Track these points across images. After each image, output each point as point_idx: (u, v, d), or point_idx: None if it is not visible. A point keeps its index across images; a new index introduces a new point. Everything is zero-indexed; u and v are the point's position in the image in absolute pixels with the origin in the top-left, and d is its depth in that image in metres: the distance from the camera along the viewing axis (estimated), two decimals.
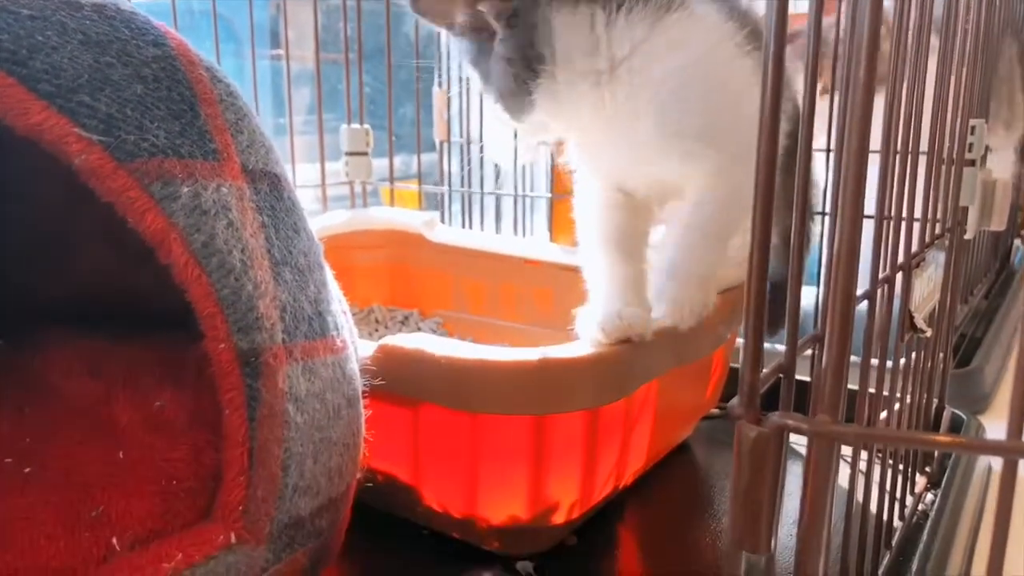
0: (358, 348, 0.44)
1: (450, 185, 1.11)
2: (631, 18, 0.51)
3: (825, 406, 0.25)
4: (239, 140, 0.38)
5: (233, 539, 0.35)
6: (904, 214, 0.46)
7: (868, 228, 0.35)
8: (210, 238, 0.34)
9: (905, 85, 0.45)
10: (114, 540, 0.34)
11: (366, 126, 0.98)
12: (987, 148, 0.70)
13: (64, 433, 0.39)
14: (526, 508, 0.50)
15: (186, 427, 0.39)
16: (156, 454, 0.38)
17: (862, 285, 0.37)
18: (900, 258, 0.46)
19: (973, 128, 0.64)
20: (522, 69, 0.51)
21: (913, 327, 0.47)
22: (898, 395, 0.50)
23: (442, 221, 1.01)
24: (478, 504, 0.51)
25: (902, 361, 0.50)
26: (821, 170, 0.77)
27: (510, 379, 0.47)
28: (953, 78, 0.55)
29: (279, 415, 0.36)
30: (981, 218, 0.70)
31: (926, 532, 0.54)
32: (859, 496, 0.45)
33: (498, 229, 1.08)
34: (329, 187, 0.98)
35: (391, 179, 1.02)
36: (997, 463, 0.23)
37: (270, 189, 0.39)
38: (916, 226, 0.49)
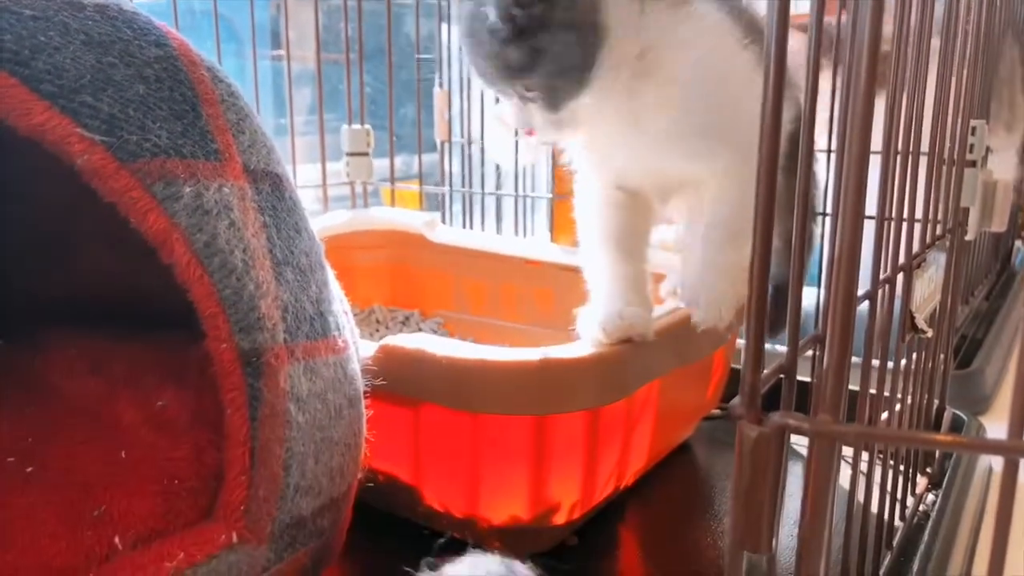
0: (359, 348, 0.44)
1: (451, 185, 1.11)
2: (655, 7, 0.50)
3: (826, 406, 0.25)
4: (241, 140, 0.38)
5: (235, 538, 0.35)
6: (905, 215, 0.46)
7: (869, 229, 0.36)
8: (212, 238, 0.34)
9: (906, 86, 0.46)
10: (116, 539, 0.34)
11: (367, 126, 0.98)
12: (988, 149, 0.70)
13: (66, 433, 0.39)
14: (527, 508, 0.50)
15: (188, 427, 0.39)
16: (158, 453, 0.38)
17: (863, 286, 0.37)
18: (901, 259, 0.46)
19: (974, 129, 0.64)
20: (587, 36, 0.48)
21: (914, 328, 0.47)
22: (899, 396, 0.50)
23: (443, 221, 1.01)
24: (479, 504, 0.51)
25: (903, 362, 0.50)
26: (823, 171, 0.77)
27: (511, 379, 0.47)
28: (954, 79, 0.55)
29: (281, 415, 0.36)
30: (982, 219, 0.70)
31: (927, 533, 0.54)
32: (860, 497, 0.45)
33: (499, 229, 1.08)
34: (330, 187, 0.98)
35: (392, 179, 1.02)
36: (998, 464, 0.23)
37: (272, 189, 0.39)
38: (917, 227, 0.49)
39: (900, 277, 0.46)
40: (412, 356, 0.48)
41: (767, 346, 0.27)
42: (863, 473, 0.46)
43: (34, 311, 0.48)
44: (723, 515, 0.59)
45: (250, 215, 0.36)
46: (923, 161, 0.50)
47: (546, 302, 0.80)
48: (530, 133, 0.51)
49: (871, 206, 0.34)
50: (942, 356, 0.62)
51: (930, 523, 0.55)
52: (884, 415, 0.49)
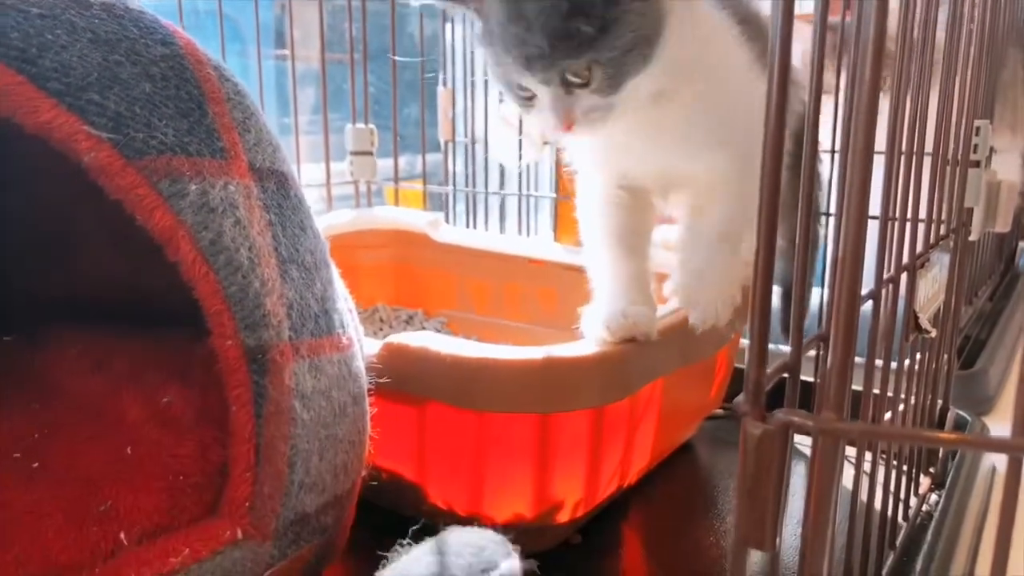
0: (364, 346, 0.45)
1: (455, 185, 1.11)
2: None
3: (830, 404, 0.25)
4: (246, 138, 0.38)
5: (239, 535, 0.35)
6: (909, 215, 0.46)
7: (873, 229, 0.36)
8: (217, 236, 0.35)
9: (911, 86, 0.46)
10: (122, 535, 0.34)
11: (371, 126, 0.98)
12: (992, 150, 0.70)
13: (71, 429, 0.39)
14: (531, 506, 0.50)
15: (193, 423, 0.39)
16: (163, 450, 0.38)
17: (867, 285, 0.37)
18: (905, 259, 0.46)
19: (978, 129, 0.64)
20: (655, 6, 0.47)
21: (918, 327, 0.47)
22: (902, 396, 0.50)
23: (447, 221, 1.01)
24: (483, 502, 0.51)
25: (906, 362, 0.50)
26: (826, 171, 0.77)
27: (515, 378, 0.47)
28: (958, 79, 0.55)
29: (285, 412, 0.36)
30: (986, 219, 0.70)
31: (930, 532, 0.54)
32: (863, 496, 0.45)
33: (502, 229, 1.08)
34: (334, 187, 0.98)
35: (396, 179, 1.02)
36: (1001, 465, 0.23)
37: (277, 187, 0.39)
38: (921, 227, 0.49)
39: (904, 277, 0.46)
40: (416, 354, 0.48)
41: (772, 347, 0.28)
42: (866, 473, 0.46)
43: (38, 309, 0.49)
44: (726, 514, 0.60)
45: (255, 213, 0.37)
46: (927, 161, 0.50)
47: (550, 301, 0.80)
48: (568, 128, 0.48)
49: (875, 206, 0.34)
50: (945, 356, 0.62)
51: (933, 523, 0.55)
52: (888, 415, 0.49)
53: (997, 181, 0.70)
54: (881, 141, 0.35)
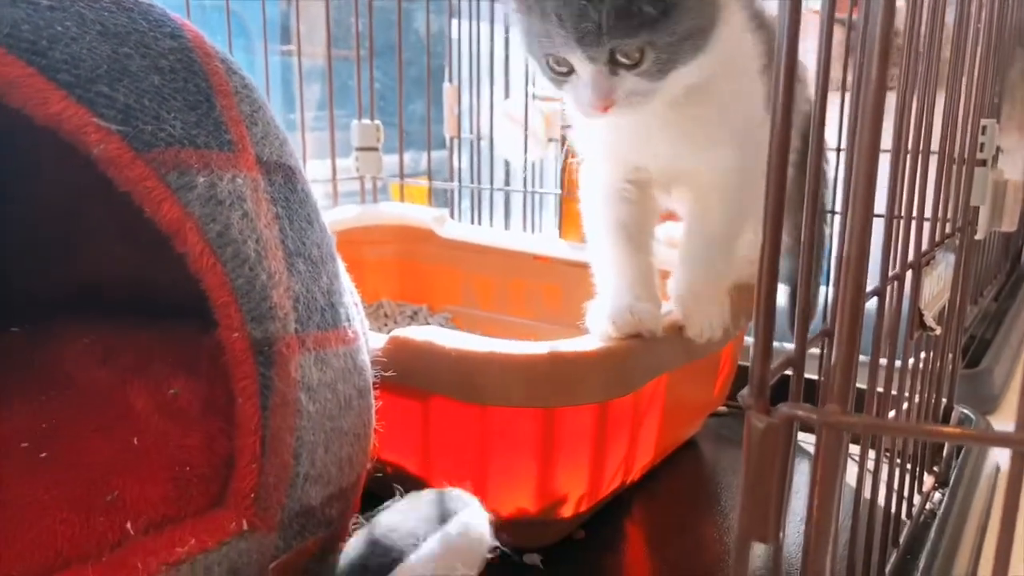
0: (369, 339, 0.45)
1: (460, 181, 1.12)
2: None
3: (834, 398, 0.25)
4: (254, 132, 0.38)
5: (245, 526, 0.35)
6: (915, 213, 0.46)
7: (879, 227, 0.36)
8: (225, 228, 0.35)
9: (917, 84, 0.46)
10: (128, 525, 0.34)
11: (376, 122, 0.98)
12: (999, 150, 0.70)
13: (79, 420, 0.39)
14: (534, 501, 0.50)
15: (199, 415, 0.39)
16: (170, 441, 0.38)
17: (872, 283, 0.37)
18: (910, 256, 0.46)
19: (984, 128, 0.64)
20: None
21: (922, 325, 0.47)
22: (906, 394, 0.50)
23: (451, 217, 1.01)
24: (487, 496, 0.50)
25: (911, 360, 0.50)
26: (832, 170, 0.77)
27: (520, 372, 0.47)
28: (965, 77, 0.55)
29: (291, 404, 0.36)
30: (992, 219, 0.70)
31: (933, 530, 0.54)
32: (867, 494, 0.45)
33: (507, 225, 1.08)
34: (339, 182, 0.99)
35: (401, 175, 1.02)
36: (1005, 463, 0.23)
37: (284, 181, 0.39)
38: (926, 225, 0.49)
39: (909, 274, 0.46)
40: (422, 348, 0.48)
41: (776, 344, 0.28)
42: (870, 471, 0.46)
43: (45, 302, 0.49)
44: (729, 511, 0.60)
45: (263, 206, 0.37)
46: (933, 159, 0.50)
47: (554, 298, 0.80)
48: (605, 109, 0.47)
49: (881, 205, 0.34)
50: (950, 355, 0.62)
51: (937, 521, 0.55)
52: (892, 414, 0.49)
53: (1004, 180, 0.70)
54: (887, 139, 0.35)
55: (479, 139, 1.12)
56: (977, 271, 0.96)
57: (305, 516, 0.38)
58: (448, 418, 0.50)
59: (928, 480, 0.60)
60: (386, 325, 0.85)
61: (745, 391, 0.26)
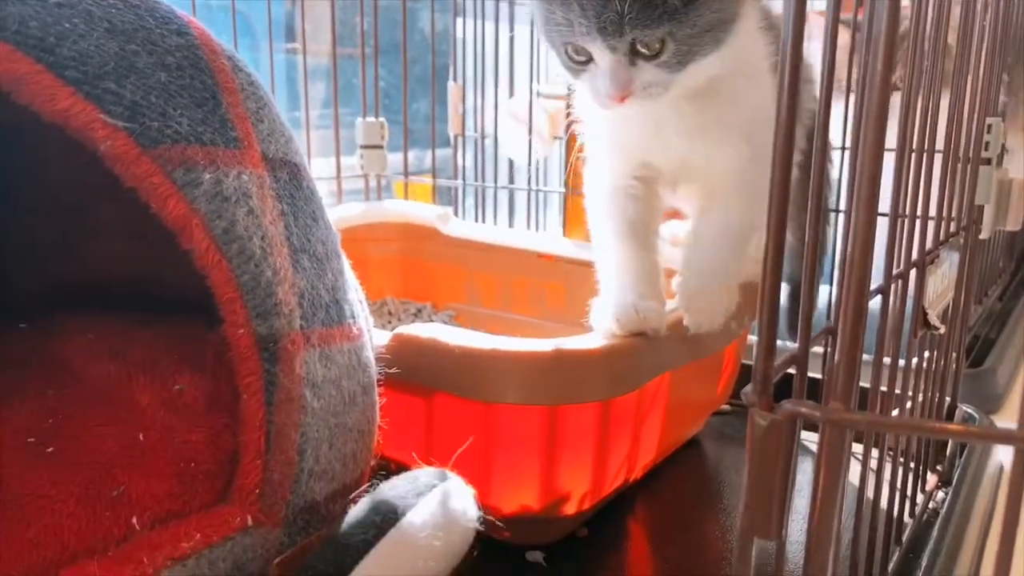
0: (373, 336, 0.45)
1: (464, 179, 1.12)
2: None
3: (837, 395, 0.25)
4: (259, 129, 0.38)
5: (249, 521, 0.35)
6: (919, 212, 0.46)
7: (883, 226, 0.36)
8: (231, 224, 0.35)
9: (922, 83, 0.46)
10: (134, 519, 0.34)
11: (381, 120, 0.98)
12: (1005, 149, 0.70)
13: (85, 415, 0.40)
14: (537, 498, 0.50)
15: (204, 410, 0.39)
16: (175, 436, 0.38)
17: (876, 282, 0.37)
18: (914, 255, 0.46)
19: (990, 127, 0.64)
20: None
21: (926, 323, 0.47)
22: (910, 392, 0.50)
23: (455, 215, 1.02)
24: (490, 494, 0.51)
25: (914, 359, 0.50)
26: (836, 170, 0.77)
27: (524, 370, 0.47)
28: (970, 76, 0.55)
29: (296, 400, 0.36)
30: (997, 218, 0.70)
31: (936, 529, 0.54)
32: (870, 493, 0.46)
33: (511, 223, 1.09)
34: (344, 180, 0.99)
35: (405, 173, 1.03)
36: (1008, 462, 0.23)
37: (289, 178, 0.39)
38: (931, 224, 0.49)
39: (913, 273, 0.46)
40: (426, 345, 0.49)
41: (779, 344, 0.28)
42: (873, 470, 0.46)
43: (53, 298, 0.49)
44: (732, 509, 0.60)
45: (268, 203, 0.37)
46: (938, 158, 0.50)
47: (558, 296, 0.81)
48: (622, 100, 0.47)
49: (885, 204, 0.34)
50: (954, 354, 0.62)
51: (939, 520, 0.55)
52: (895, 412, 0.49)
53: (1009, 179, 0.70)
54: (892, 138, 0.35)
55: (483, 137, 1.12)
56: (982, 270, 0.96)
57: (309, 512, 0.38)
58: (452, 415, 0.50)
59: (931, 479, 0.60)
60: (390, 323, 0.86)
61: (748, 388, 0.26)
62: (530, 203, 1.03)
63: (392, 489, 0.38)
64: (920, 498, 0.56)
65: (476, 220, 1.09)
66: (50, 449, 0.37)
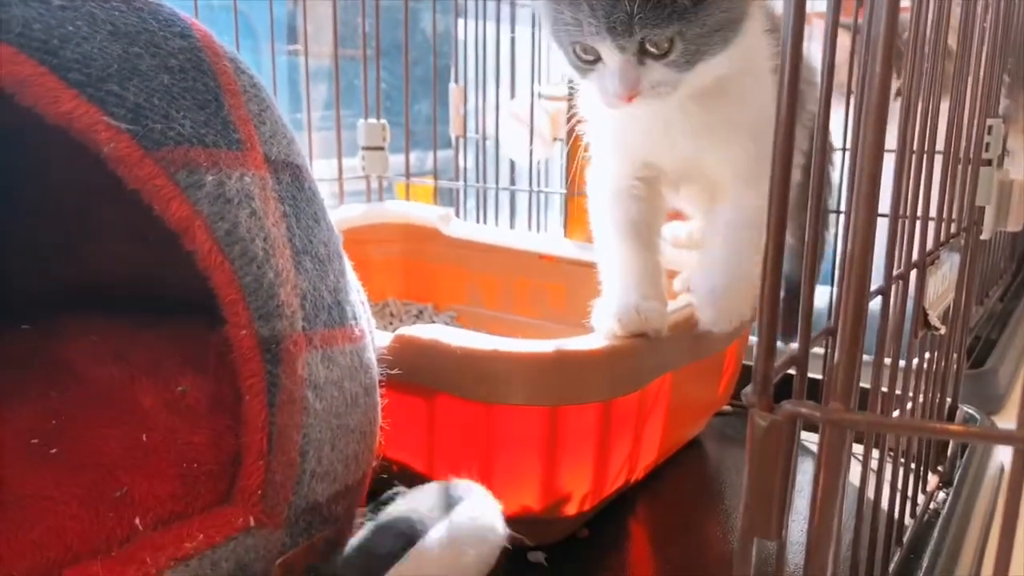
0: (375, 338, 0.45)
1: (465, 181, 1.12)
2: None
3: (837, 395, 0.26)
4: (262, 131, 0.38)
5: (252, 522, 0.36)
6: (920, 212, 0.46)
7: (884, 227, 0.36)
8: (233, 226, 0.35)
9: (922, 84, 0.46)
10: (137, 520, 0.34)
11: (383, 121, 0.99)
12: (1006, 150, 0.70)
13: (88, 416, 0.40)
14: (539, 499, 0.50)
15: (207, 412, 0.40)
16: (178, 437, 0.38)
17: (876, 283, 0.38)
18: (915, 256, 0.46)
19: (990, 128, 0.64)
20: None
21: (927, 324, 0.47)
22: (911, 393, 0.51)
23: (457, 217, 1.02)
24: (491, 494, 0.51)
25: (915, 359, 0.50)
26: (837, 172, 0.77)
27: (525, 370, 0.48)
28: (971, 77, 0.55)
29: (298, 401, 0.36)
30: (997, 219, 0.70)
31: (937, 530, 0.54)
32: (871, 493, 0.46)
33: (513, 224, 1.09)
34: (346, 181, 0.99)
35: (407, 174, 1.03)
36: (1009, 463, 0.23)
37: (291, 179, 0.39)
38: (931, 225, 0.49)
39: (913, 274, 0.46)
40: (427, 346, 0.49)
41: (780, 345, 0.28)
42: (874, 471, 0.46)
43: (55, 299, 0.49)
44: (733, 510, 0.60)
45: (270, 204, 0.37)
46: (938, 159, 0.50)
47: (559, 297, 0.81)
48: (630, 99, 0.47)
49: (886, 204, 0.34)
50: (955, 355, 0.62)
51: (940, 521, 0.55)
52: (896, 413, 0.49)
53: (1010, 180, 0.70)
54: (892, 139, 0.35)
55: (485, 139, 1.12)
56: (983, 271, 0.96)
57: (311, 513, 0.38)
58: (453, 416, 0.50)
59: (932, 480, 0.60)
60: (391, 324, 0.86)
61: (749, 389, 0.26)
62: (531, 204, 1.04)
63: (421, 500, 0.38)
64: (921, 499, 0.56)
65: (477, 221, 1.09)
66: (53, 450, 0.38)
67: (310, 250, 0.39)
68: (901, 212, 0.44)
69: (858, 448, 0.51)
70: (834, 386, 0.26)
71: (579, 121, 0.58)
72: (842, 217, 0.49)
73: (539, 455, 0.49)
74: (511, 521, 0.52)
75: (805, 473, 0.58)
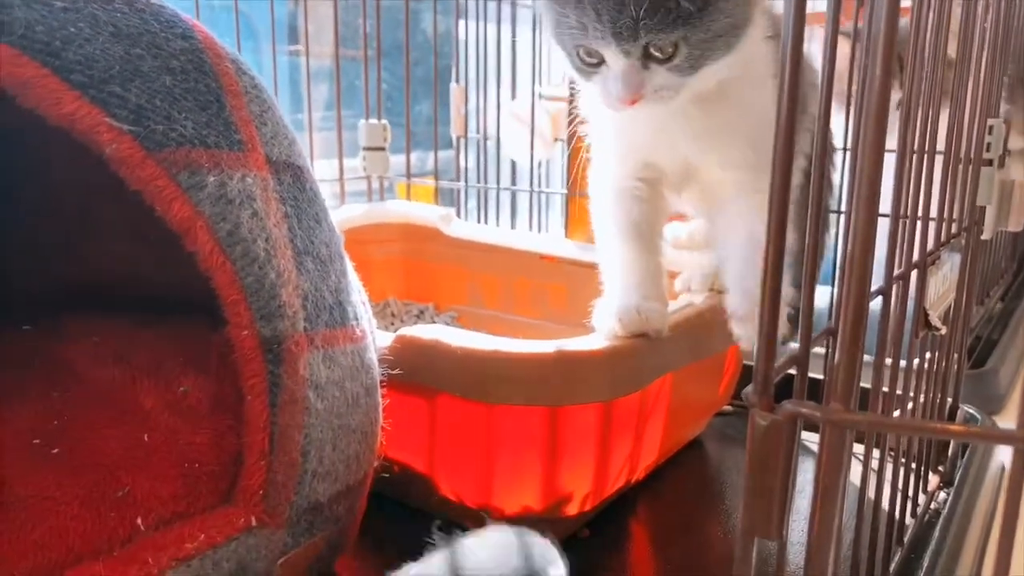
0: (376, 338, 0.45)
1: (466, 181, 1.12)
2: None
3: (838, 395, 0.26)
4: (263, 132, 0.38)
5: (253, 522, 0.36)
6: (920, 213, 0.47)
7: (885, 228, 0.36)
8: (235, 227, 0.35)
9: (923, 85, 0.46)
10: (138, 520, 0.35)
11: (384, 122, 0.99)
12: (1007, 151, 0.70)
13: (90, 417, 0.40)
14: (540, 499, 0.51)
15: (208, 412, 0.40)
16: (180, 438, 0.38)
17: (877, 283, 0.38)
18: (915, 256, 0.46)
19: (991, 128, 0.64)
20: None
21: (928, 324, 0.47)
22: (911, 393, 0.51)
23: (458, 217, 1.02)
24: (492, 494, 0.51)
25: (915, 360, 0.50)
26: (838, 174, 0.77)
27: (526, 370, 0.48)
28: (971, 77, 0.55)
29: (300, 401, 0.36)
30: (998, 219, 0.70)
31: (938, 530, 0.54)
32: (871, 493, 0.46)
33: (513, 225, 1.09)
34: (347, 182, 0.99)
35: (408, 174, 1.03)
36: (1009, 463, 0.24)
37: (293, 180, 0.40)
38: (932, 225, 0.49)
39: (914, 274, 0.46)
40: (428, 346, 0.49)
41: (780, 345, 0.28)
42: (874, 470, 0.46)
43: (57, 299, 0.49)
44: (734, 510, 0.60)
45: (272, 205, 0.37)
46: (939, 159, 0.50)
47: (560, 297, 0.81)
48: (633, 103, 0.47)
49: (887, 205, 0.34)
50: (956, 355, 0.62)
51: (941, 520, 0.55)
52: (896, 413, 0.49)
53: (1011, 180, 0.70)
54: (893, 139, 0.35)
55: (486, 139, 1.12)
56: (984, 271, 0.96)
57: (313, 513, 0.38)
58: (454, 416, 0.50)
59: (933, 480, 0.60)
60: (392, 324, 0.86)
61: (749, 388, 0.26)
62: (532, 204, 1.04)
63: (477, 551, 0.37)
64: (922, 499, 0.56)
65: (478, 221, 1.09)
66: (55, 451, 0.38)
67: (311, 251, 0.39)
68: (902, 212, 0.44)
69: (859, 448, 0.51)
70: (835, 386, 0.26)
71: (580, 122, 0.58)
72: (843, 217, 0.49)
73: (540, 455, 0.49)
74: (512, 522, 0.52)
75: (806, 473, 0.59)
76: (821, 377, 0.34)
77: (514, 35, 1.07)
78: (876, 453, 0.47)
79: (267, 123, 0.39)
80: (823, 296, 0.72)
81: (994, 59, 0.60)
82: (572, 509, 0.52)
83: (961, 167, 0.56)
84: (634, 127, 0.54)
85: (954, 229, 0.56)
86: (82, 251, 0.51)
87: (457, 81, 1.12)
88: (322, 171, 0.99)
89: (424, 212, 0.90)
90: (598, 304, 0.53)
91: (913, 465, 0.54)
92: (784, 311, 0.48)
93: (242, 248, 0.35)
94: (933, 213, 0.49)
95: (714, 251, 0.58)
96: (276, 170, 0.38)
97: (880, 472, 0.46)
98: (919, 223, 0.46)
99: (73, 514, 0.35)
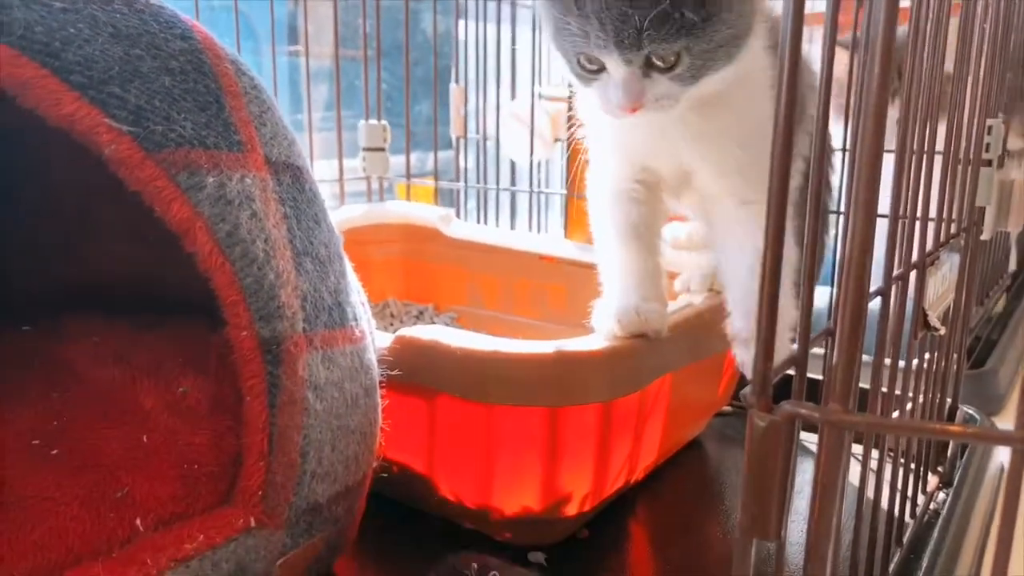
0: (375, 338, 0.45)
1: (466, 181, 1.12)
2: None
3: (836, 396, 0.26)
4: (263, 132, 0.38)
5: (252, 523, 0.36)
6: (919, 213, 0.47)
7: (883, 226, 0.36)
8: (234, 228, 0.35)
9: (922, 84, 0.46)
10: (138, 521, 0.35)
11: (383, 122, 0.99)
12: (1007, 152, 0.70)
13: (89, 417, 0.40)
14: (539, 499, 0.51)
15: (208, 413, 0.40)
16: (179, 439, 0.38)
17: (876, 283, 0.38)
18: (915, 256, 0.46)
19: (990, 128, 0.64)
20: (747, 9, 0.47)
21: (927, 325, 0.47)
22: (910, 394, 0.51)
23: (457, 217, 1.02)
24: (492, 495, 0.51)
25: (915, 360, 0.50)
26: (837, 175, 0.77)
27: (526, 371, 0.48)
28: (971, 77, 0.55)
29: (299, 402, 0.37)
30: (998, 219, 0.70)
31: (937, 530, 0.54)
32: (870, 493, 0.46)
33: (513, 225, 1.09)
34: (346, 182, 0.99)
35: (408, 175, 1.03)
36: (1008, 463, 0.24)
37: (292, 181, 0.40)
38: (931, 225, 0.49)
39: (913, 274, 0.46)
40: (427, 347, 0.49)
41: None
42: (873, 471, 0.46)
43: (56, 300, 0.49)
44: (733, 511, 0.60)
45: (271, 206, 0.37)
46: (938, 160, 0.50)
47: (559, 298, 0.81)
48: (634, 110, 0.47)
49: (885, 205, 0.34)
50: (955, 355, 0.62)
51: (940, 521, 0.55)
52: (896, 414, 0.49)
53: (1010, 180, 0.70)
54: (892, 139, 0.35)
55: (485, 139, 1.12)
56: (983, 271, 0.96)
57: (312, 514, 0.38)
58: (454, 417, 0.50)
59: (932, 480, 0.60)
60: (392, 324, 0.86)
61: (748, 389, 0.26)
62: (532, 205, 1.04)
63: None
64: (921, 499, 0.56)
65: (478, 222, 1.09)
66: (54, 451, 0.38)
67: (311, 251, 0.39)
68: (901, 212, 0.44)
69: (858, 448, 0.51)
70: (833, 387, 0.26)
71: (579, 125, 0.58)
72: (842, 218, 0.49)
73: (539, 456, 0.49)
74: (512, 522, 0.52)
75: (805, 473, 0.59)
76: (820, 378, 0.34)
77: (514, 37, 1.07)
78: (875, 453, 0.47)
79: (266, 124, 0.39)
80: (822, 296, 0.72)
81: (994, 59, 0.60)
82: (571, 509, 0.52)
83: (960, 167, 0.56)
84: (632, 132, 0.54)
85: (953, 229, 0.56)
86: (82, 252, 0.51)
87: (457, 81, 1.12)
88: (322, 172, 0.99)
89: (424, 213, 0.90)
90: (597, 305, 0.53)
91: (912, 465, 0.54)
92: (787, 334, 0.48)
93: (241, 249, 0.35)
94: (932, 213, 0.49)
95: (713, 254, 0.58)
96: (275, 171, 0.38)
97: (879, 472, 0.47)
98: (918, 223, 0.46)
99: (73, 515, 0.35)
